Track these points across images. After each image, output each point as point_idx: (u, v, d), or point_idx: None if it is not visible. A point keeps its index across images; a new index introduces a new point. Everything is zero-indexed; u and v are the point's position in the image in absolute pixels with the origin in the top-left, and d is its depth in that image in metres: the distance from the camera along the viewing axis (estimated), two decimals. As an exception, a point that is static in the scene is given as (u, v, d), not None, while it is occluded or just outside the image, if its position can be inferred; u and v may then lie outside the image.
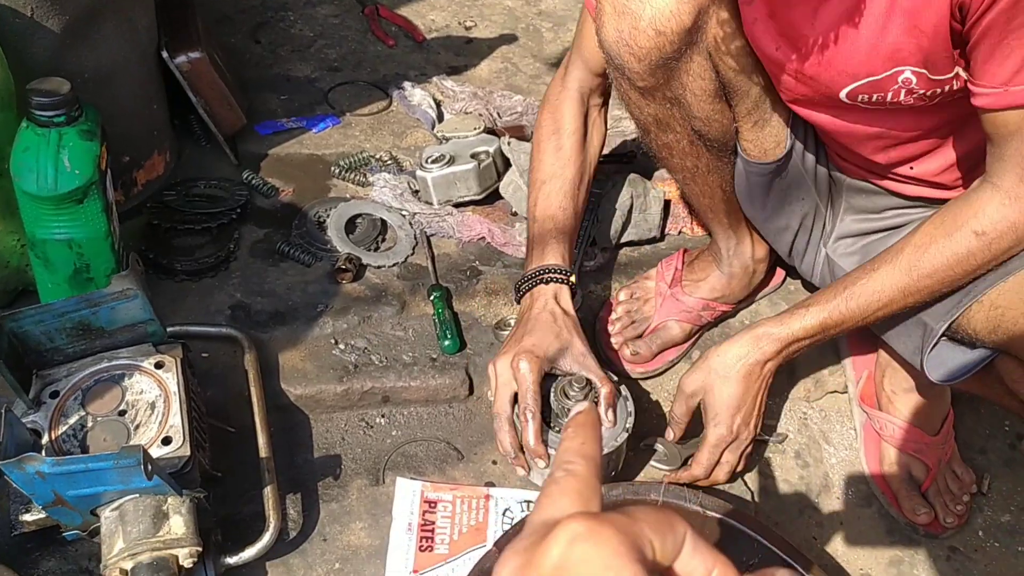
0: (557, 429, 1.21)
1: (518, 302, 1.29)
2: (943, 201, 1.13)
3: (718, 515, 1.11)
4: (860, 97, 1.06)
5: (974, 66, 0.96)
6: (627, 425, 1.19)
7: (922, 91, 1.02)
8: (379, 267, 1.50)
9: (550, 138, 1.35)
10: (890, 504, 1.39)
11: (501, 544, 1.07)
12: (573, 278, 1.27)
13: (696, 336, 1.48)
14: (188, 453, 1.07)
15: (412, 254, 1.54)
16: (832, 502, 1.40)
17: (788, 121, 1.24)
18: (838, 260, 1.35)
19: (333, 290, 1.45)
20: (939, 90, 1.02)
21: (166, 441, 1.07)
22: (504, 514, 1.26)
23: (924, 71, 1.00)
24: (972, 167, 1.15)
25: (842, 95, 1.07)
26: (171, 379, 1.12)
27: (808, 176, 1.32)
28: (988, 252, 1.02)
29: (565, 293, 1.26)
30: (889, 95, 1.04)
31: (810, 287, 1.58)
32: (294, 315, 1.40)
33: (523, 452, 1.17)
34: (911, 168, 1.19)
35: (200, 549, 1.04)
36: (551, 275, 1.26)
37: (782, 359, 1.18)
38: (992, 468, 1.46)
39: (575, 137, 1.35)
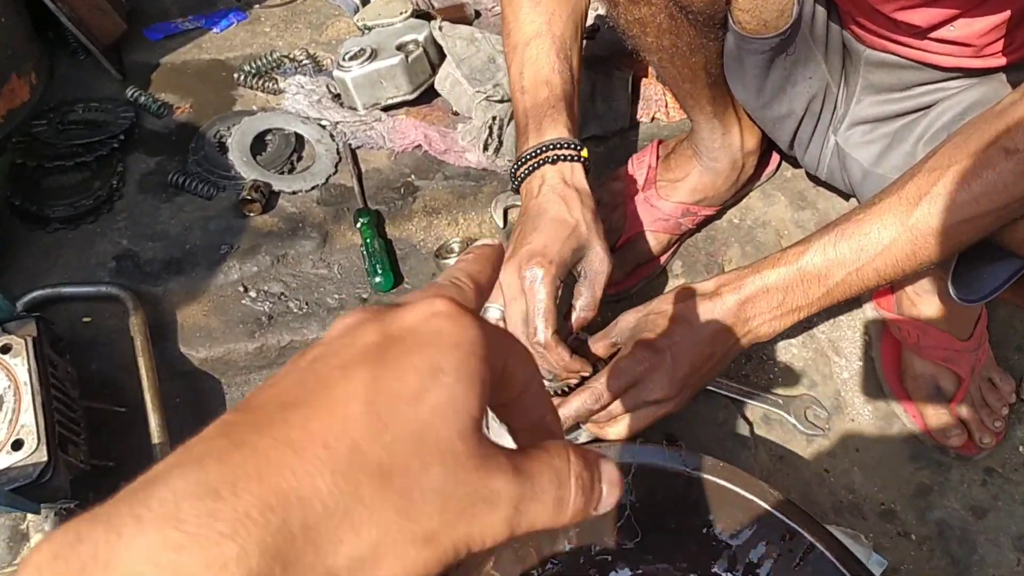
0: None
1: (516, 191, 1.03)
2: (984, 73, 0.88)
3: (708, 477, 0.92)
4: None
5: None
6: None
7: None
8: (294, 193, 1.26)
9: None
10: (915, 424, 1.20)
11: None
12: (585, 152, 0.99)
13: (676, 246, 1.26)
14: (45, 458, 0.87)
15: (334, 173, 1.30)
16: (845, 425, 1.21)
17: (796, -21, 0.97)
18: (851, 151, 1.11)
19: (239, 226, 1.22)
20: None
21: (16, 445, 0.87)
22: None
23: None
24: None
25: None
26: (21, 366, 0.91)
27: (818, 49, 1.06)
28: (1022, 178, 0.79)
29: (579, 172, 0.98)
30: None
31: (815, 181, 1.34)
32: (193, 261, 1.18)
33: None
34: (952, 28, 0.93)
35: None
36: (557, 151, 0.98)
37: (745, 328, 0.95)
38: (1033, 370, 1.26)
39: None
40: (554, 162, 0.98)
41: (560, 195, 0.96)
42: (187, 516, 0.26)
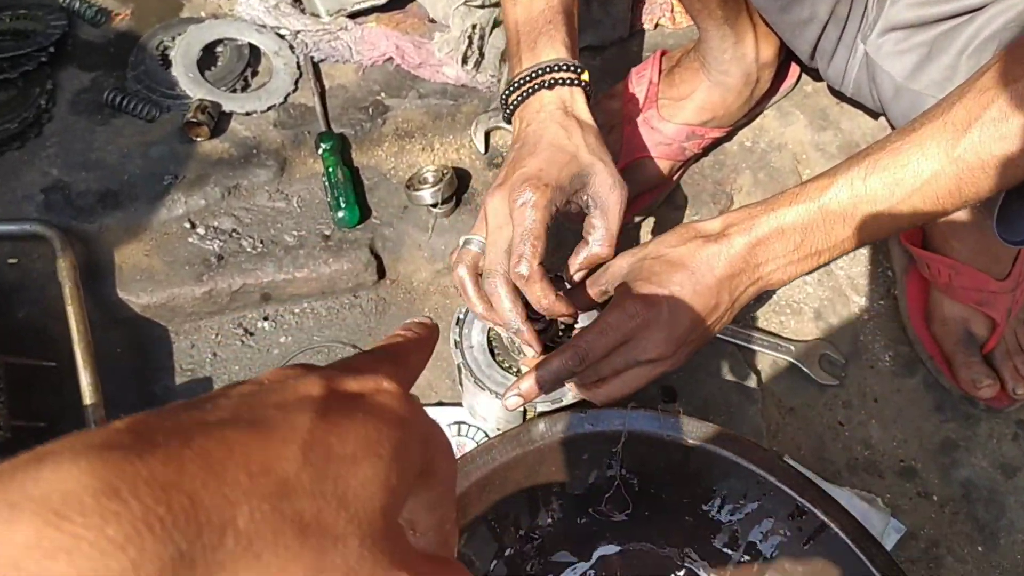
0: (507, 365, 0.88)
1: (508, 120, 0.90)
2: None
3: (709, 446, 0.80)
4: None
5: None
6: None
7: None
8: (247, 114, 1.12)
9: None
10: (941, 372, 1.08)
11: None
12: (586, 75, 0.86)
13: (679, 173, 1.12)
14: (-54, 430, 0.76)
15: (293, 91, 1.15)
16: (863, 371, 1.09)
17: None
18: (882, 62, 0.96)
19: (185, 152, 1.08)
20: None
21: (-88, 416, 0.76)
22: (428, 443, 0.96)
23: None
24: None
25: None
26: (-82, 322, 0.80)
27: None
28: None
29: (579, 99, 0.86)
30: None
31: (839, 97, 1.19)
32: (132, 194, 1.05)
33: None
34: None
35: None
36: (555, 74, 0.85)
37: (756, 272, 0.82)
38: (1075, 313, 1.13)
39: None
40: (551, 87, 0.85)
41: (559, 122, 0.83)
42: (73, 513, 0.23)
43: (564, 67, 0.85)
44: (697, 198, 1.13)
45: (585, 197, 0.83)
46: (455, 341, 0.89)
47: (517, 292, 0.80)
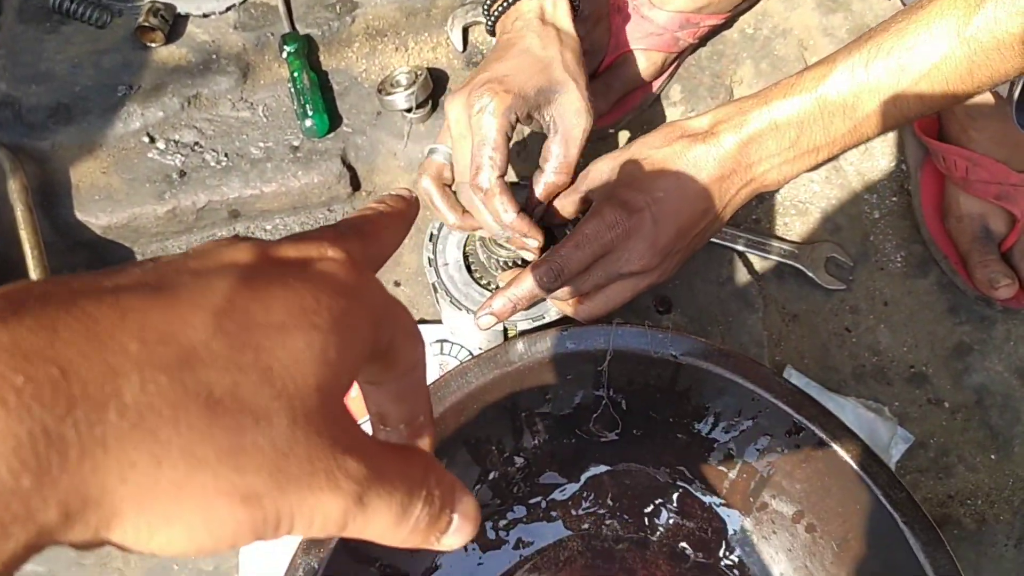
0: (485, 282, 0.83)
1: (492, 32, 0.84)
2: None
3: (700, 363, 0.75)
4: None
5: None
6: None
7: None
8: (205, 16, 1.04)
9: None
10: (956, 272, 1.02)
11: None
12: None
13: (673, 66, 1.04)
14: None
15: (254, -12, 1.07)
16: (872, 274, 1.04)
17: None
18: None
19: (139, 60, 1.01)
20: None
21: None
22: (408, 363, 0.92)
23: None
24: None
25: None
26: None
27: None
28: None
29: (562, 7, 0.80)
30: None
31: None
32: (85, 107, 0.98)
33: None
34: None
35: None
36: None
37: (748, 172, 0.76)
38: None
39: None
40: None
41: (536, 31, 0.77)
42: None
43: None
44: (693, 93, 1.05)
45: (548, 117, 0.77)
46: (428, 259, 0.84)
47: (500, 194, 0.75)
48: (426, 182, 0.79)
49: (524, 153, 1.01)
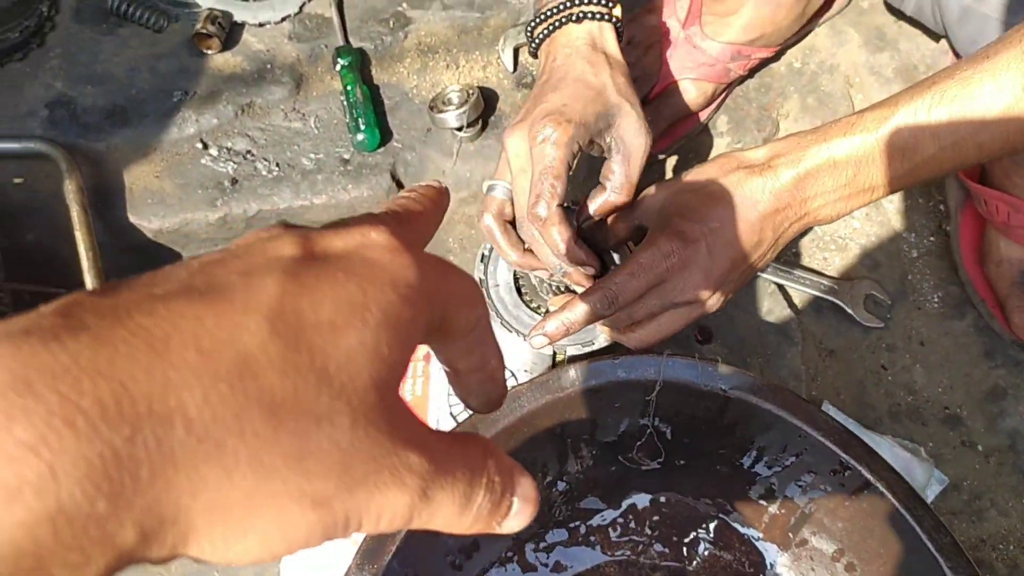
0: (535, 305, 0.84)
1: (534, 55, 0.85)
2: None
3: (748, 398, 0.76)
4: None
5: None
6: None
7: None
8: (260, 25, 1.06)
9: None
10: (993, 315, 1.03)
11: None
12: (618, 11, 0.81)
13: (722, 97, 1.05)
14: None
15: (309, 0, 1.08)
16: (909, 313, 1.05)
17: None
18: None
19: (195, 66, 1.03)
20: None
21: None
22: (451, 381, 0.93)
23: None
24: None
25: None
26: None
27: None
28: None
29: (609, 35, 0.81)
30: None
31: (898, 15, 1.10)
32: (141, 110, 1.00)
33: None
34: None
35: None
36: (583, 7, 0.80)
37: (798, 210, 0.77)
38: None
39: None
40: (579, 20, 0.80)
41: (586, 58, 0.78)
42: None
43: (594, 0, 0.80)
44: (740, 124, 1.06)
45: (609, 139, 0.78)
46: (479, 279, 0.85)
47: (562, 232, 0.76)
48: (488, 219, 0.80)
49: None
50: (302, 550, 0.25)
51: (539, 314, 0.84)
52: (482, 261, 0.86)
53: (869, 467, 0.74)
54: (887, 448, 0.95)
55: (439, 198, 0.37)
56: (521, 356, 0.87)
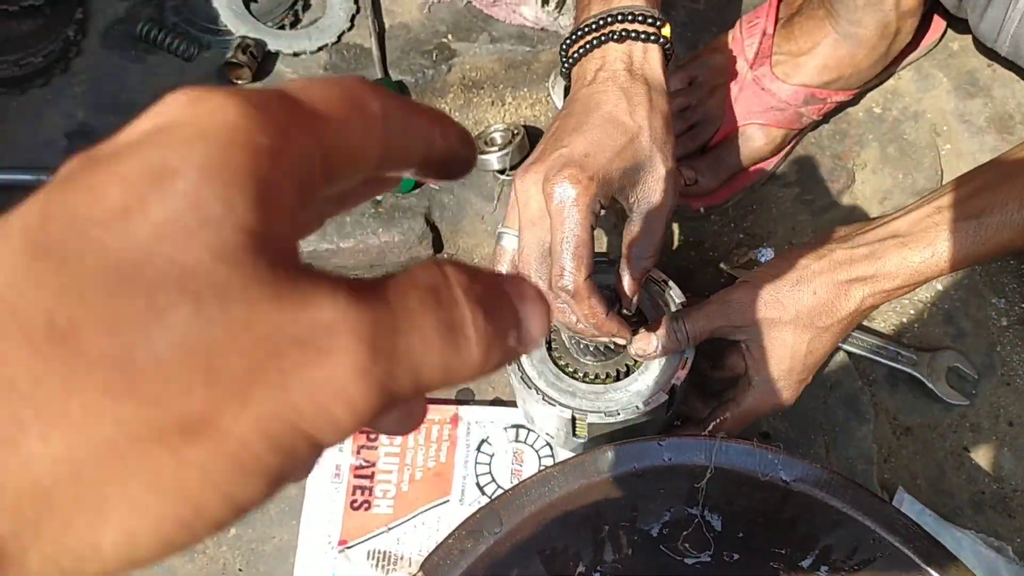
0: (564, 363, 0.77)
1: (567, 75, 0.77)
2: None
3: (813, 492, 0.68)
4: None
5: None
6: (685, 360, 0.76)
7: None
8: (296, 55, 1.01)
9: None
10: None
11: (431, 568, 0.66)
12: (667, 30, 0.72)
13: (792, 144, 0.97)
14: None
15: (349, 29, 1.03)
16: (996, 389, 0.95)
17: None
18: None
19: (224, 97, 0.98)
20: None
21: None
22: (480, 449, 0.86)
23: None
24: None
25: None
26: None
27: None
28: None
29: (654, 57, 0.72)
30: None
31: (992, 57, 1.01)
32: (163, 143, 0.95)
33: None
34: None
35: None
36: (627, 24, 0.71)
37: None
38: None
39: None
40: (620, 39, 0.70)
41: (622, 87, 0.69)
42: None
43: (639, 17, 0.71)
44: (811, 175, 0.98)
45: (633, 199, 0.69)
46: None
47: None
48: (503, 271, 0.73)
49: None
50: (225, 515, 0.18)
51: (567, 373, 0.77)
52: None
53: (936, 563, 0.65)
54: (969, 545, 0.85)
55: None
56: (540, 417, 0.80)
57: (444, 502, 0.83)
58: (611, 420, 0.76)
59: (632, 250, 0.71)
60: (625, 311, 0.74)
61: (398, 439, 0.85)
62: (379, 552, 0.82)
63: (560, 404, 0.75)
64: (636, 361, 0.77)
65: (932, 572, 0.65)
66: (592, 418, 0.76)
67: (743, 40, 0.94)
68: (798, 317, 0.73)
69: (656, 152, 0.68)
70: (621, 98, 0.68)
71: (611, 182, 0.66)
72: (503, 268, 0.73)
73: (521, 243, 0.69)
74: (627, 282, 0.72)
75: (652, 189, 0.69)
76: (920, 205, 0.73)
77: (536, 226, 0.67)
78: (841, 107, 0.99)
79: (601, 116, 0.68)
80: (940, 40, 1.03)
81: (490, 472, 0.85)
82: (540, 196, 0.66)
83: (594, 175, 0.65)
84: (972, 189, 0.71)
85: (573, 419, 0.77)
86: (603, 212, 0.67)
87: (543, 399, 0.75)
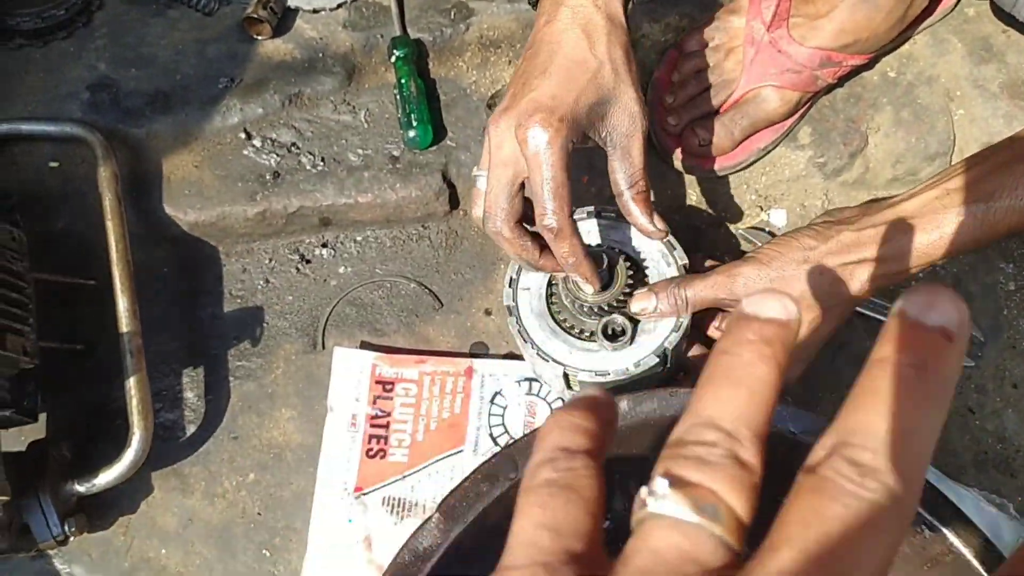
0: (562, 318, 0.79)
1: (533, 5, 0.82)
2: None
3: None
4: None
5: None
6: (679, 325, 0.78)
7: None
8: (315, 11, 1.02)
9: None
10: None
11: (447, 509, 0.69)
12: None
13: (806, 106, 0.99)
14: (-35, 357, 0.71)
15: (367, -14, 1.05)
16: (1002, 352, 0.98)
17: None
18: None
19: (244, 52, 1.00)
20: None
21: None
22: (493, 401, 0.88)
23: None
24: None
25: None
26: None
27: None
28: None
29: None
30: None
31: (1008, 23, 1.03)
32: (184, 97, 0.97)
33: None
34: None
35: (6, 497, 0.72)
36: None
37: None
38: None
39: None
40: None
41: (582, 25, 0.71)
42: None
43: None
44: (824, 137, 1.00)
45: (604, 133, 0.73)
46: (511, 278, 0.80)
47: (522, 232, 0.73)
48: (478, 212, 0.75)
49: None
50: None
51: (565, 329, 0.79)
52: (510, 285, 0.81)
53: (955, 531, 0.68)
54: (971, 502, 0.87)
55: (605, 412, 0.33)
56: (539, 368, 0.82)
57: (458, 452, 0.86)
58: (601, 380, 0.78)
59: (620, 183, 0.73)
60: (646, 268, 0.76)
61: (413, 389, 0.88)
62: (394, 499, 0.85)
63: (553, 360, 0.77)
64: (632, 321, 0.78)
65: (934, 520, 0.68)
66: (583, 376, 0.78)
67: (760, 2, 0.95)
68: (803, 297, 0.75)
69: (619, 83, 0.71)
70: (581, 36, 0.71)
71: (580, 120, 0.69)
72: (478, 207, 0.75)
73: (489, 183, 0.71)
74: (634, 211, 0.74)
75: (620, 119, 0.72)
76: (928, 187, 0.74)
77: (507, 167, 0.70)
78: (856, 71, 1.00)
79: (564, 56, 0.71)
80: (956, 5, 1.05)
81: (503, 424, 0.88)
82: (513, 141, 0.69)
83: (563, 116, 0.68)
84: (981, 171, 0.72)
85: (566, 375, 0.79)
86: (574, 149, 0.69)
87: (538, 354, 0.77)
